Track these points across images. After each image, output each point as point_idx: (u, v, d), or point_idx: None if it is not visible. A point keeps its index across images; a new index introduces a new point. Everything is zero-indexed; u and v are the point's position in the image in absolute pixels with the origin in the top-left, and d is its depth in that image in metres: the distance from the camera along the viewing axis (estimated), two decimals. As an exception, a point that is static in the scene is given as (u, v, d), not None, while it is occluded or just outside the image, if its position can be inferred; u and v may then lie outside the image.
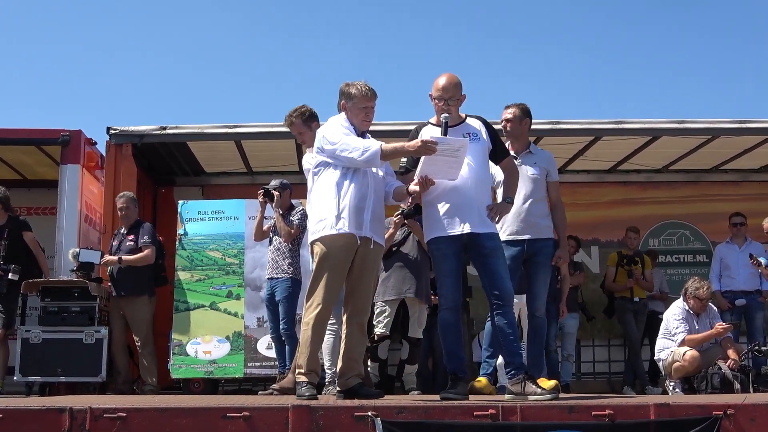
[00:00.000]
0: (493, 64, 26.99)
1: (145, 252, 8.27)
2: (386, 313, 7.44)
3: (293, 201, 8.01)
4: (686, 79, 26.59)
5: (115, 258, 8.27)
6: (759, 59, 26.16)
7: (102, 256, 8.36)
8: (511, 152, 6.28)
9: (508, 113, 6.38)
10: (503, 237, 6.17)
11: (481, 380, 6.42)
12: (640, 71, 26.57)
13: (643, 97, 26.73)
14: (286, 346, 7.56)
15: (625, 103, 27.18)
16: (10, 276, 8.05)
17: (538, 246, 6.21)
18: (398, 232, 7.40)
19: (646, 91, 26.70)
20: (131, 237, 8.38)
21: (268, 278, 7.64)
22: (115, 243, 8.47)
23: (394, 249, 7.52)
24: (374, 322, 7.46)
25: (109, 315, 8.45)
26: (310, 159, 5.76)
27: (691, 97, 26.84)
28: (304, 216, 7.78)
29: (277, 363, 7.85)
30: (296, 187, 9.48)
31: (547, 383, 6.03)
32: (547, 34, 26.68)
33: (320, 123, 6.10)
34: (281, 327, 7.55)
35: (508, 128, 6.37)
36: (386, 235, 6.36)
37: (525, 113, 6.39)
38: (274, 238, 7.68)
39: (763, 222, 8.99)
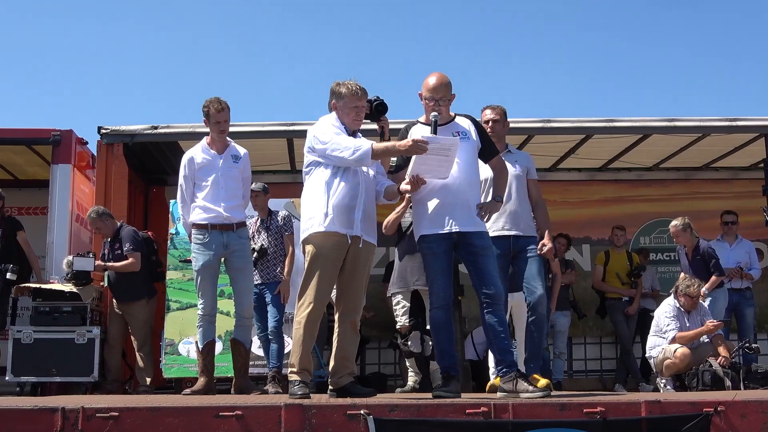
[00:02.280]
0: (483, 63, 27.04)
1: (130, 260, 8.21)
2: (401, 305, 7.36)
3: (284, 200, 8.04)
4: (677, 76, 26.68)
5: (102, 264, 8.23)
6: (749, 57, 26.27)
7: (94, 261, 8.29)
8: None
9: (494, 114, 6.34)
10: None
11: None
12: (631, 69, 26.63)
13: (634, 96, 26.81)
14: (275, 345, 7.61)
15: (616, 101, 27.25)
16: (8, 275, 8.04)
17: (523, 243, 6.20)
18: (408, 216, 6.93)
19: (637, 90, 26.78)
20: (117, 246, 8.33)
21: (256, 284, 7.65)
22: (106, 251, 8.42)
23: (406, 232, 7.34)
24: (395, 318, 7.43)
25: (101, 314, 8.43)
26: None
27: (681, 95, 26.93)
28: (288, 219, 7.85)
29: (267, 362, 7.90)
30: (287, 186, 9.52)
31: (541, 381, 6.05)
32: (537, 33, 26.74)
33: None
34: (272, 325, 7.59)
35: (495, 129, 6.33)
36: (394, 215, 6.29)
37: (505, 115, 6.42)
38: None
39: (669, 226, 9.02)
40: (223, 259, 6.71)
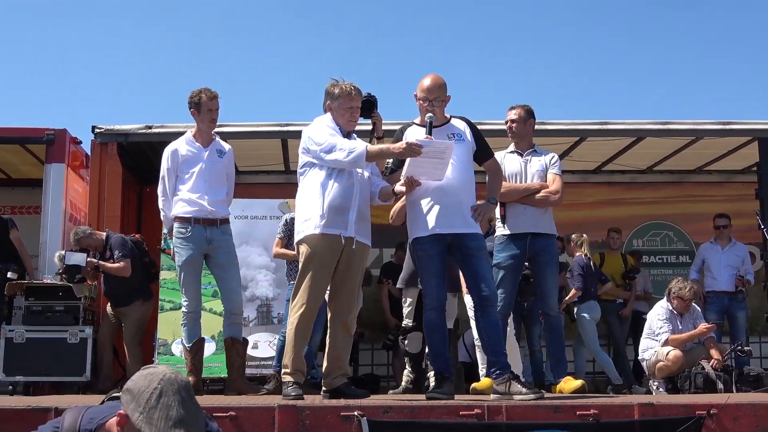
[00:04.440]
0: (479, 65, 27.05)
1: (121, 264, 8.15)
2: (408, 303, 7.37)
3: (278, 200, 8.05)
4: (670, 79, 26.72)
5: (94, 262, 8.18)
6: (744, 60, 26.33)
7: (86, 257, 8.28)
8: (518, 151, 6.39)
9: (513, 114, 6.45)
10: (507, 231, 6.24)
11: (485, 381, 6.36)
12: (625, 71, 26.68)
13: (628, 98, 26.86)
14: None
15: (610, 103, 27.30)
16: (9, 275, 8.03)
17: (541, 244, 6.25)
18: None
19: (631, 92, 26.83)
20: (108, 255, 8.26)
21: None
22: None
23: None
24: (403, 314, 7.46)
25: (94, 314, 8.42)
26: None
27: (675, 98, 26.98)
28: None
29: (260, 363, 7.91)
30: (281, 186, 9.52)
31: (573, 383, 6.07)
32: (531, 35, 26.77)
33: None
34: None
35: (513, 129, 6.45)
36: (400, 203, 6.22)
37: (529, 114, 6.49)
38: None
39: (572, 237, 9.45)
40: (205, 257, 6.55)
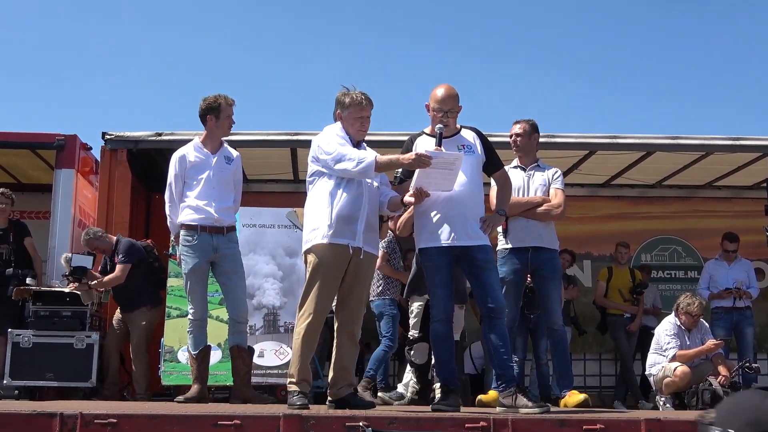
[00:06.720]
0: (488, 77, 27.07)
1: (115, 272, 8.16)
2: (414, 314, 7.37)
3: (287, 209, 8.05)
4: (681, 94, 26.70)
5: (89, 279, 8.16)
6: (755, 76, 26.28)
7: (94, 262, 8.31)
8: (521, 166, 6.41)
9: (518, 128, 6.48)
10: (509, 245, 6.24)
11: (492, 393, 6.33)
12: (636, 87, 26.67)
13: (638, 113, 26.84)
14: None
15: (620, 117, 27.29)
16: (27, 281, 8.10)
17: (543, 257, 6.26)
18: None
19: (642, 107, 26.81)
20: (116, 259, 8.30)
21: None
22: (108, 267, 8.41)
23: None
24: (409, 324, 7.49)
25: (101, 320, 8.42)
26: None
27: (684, 113, 26.95)
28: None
29: (266, 371, 7.90)
30: (290, 195, 9.52)
31: (577, 397, 6.05)
32: (542, 48, 26.79)
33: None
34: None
35: (518, 143, 6.48)
36: (407, 215, 6.15)
37: (534, 129, 6.53)
38: None
39: None
40: (211, 264, 6.56)
